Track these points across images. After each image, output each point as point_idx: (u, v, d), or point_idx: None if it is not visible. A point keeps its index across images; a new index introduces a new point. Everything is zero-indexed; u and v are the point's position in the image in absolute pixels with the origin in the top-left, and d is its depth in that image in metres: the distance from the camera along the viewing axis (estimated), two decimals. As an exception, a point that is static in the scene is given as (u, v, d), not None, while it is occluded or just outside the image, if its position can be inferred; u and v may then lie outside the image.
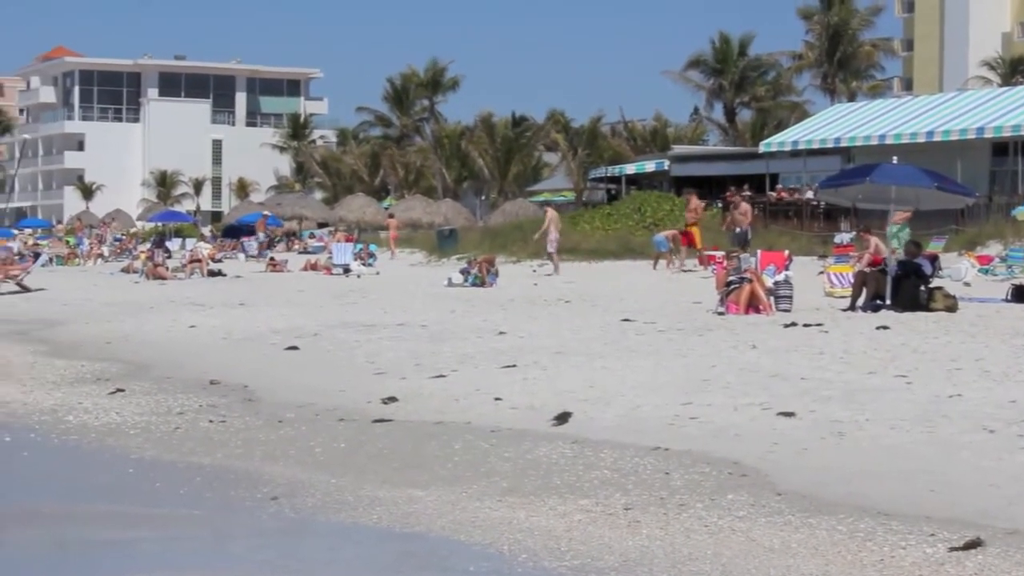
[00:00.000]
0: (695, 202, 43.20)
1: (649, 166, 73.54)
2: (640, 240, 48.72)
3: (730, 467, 12.03)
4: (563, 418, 14.85)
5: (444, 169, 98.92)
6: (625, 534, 10.04)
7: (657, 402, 15.34)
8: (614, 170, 77.09)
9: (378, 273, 47.75)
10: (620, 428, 14.18)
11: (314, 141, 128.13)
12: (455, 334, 23.30)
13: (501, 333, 23.13)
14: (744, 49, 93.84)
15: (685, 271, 40.35)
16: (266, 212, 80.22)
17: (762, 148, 59.72)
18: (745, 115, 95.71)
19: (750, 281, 25.45)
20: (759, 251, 30.75)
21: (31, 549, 10.51)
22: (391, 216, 66.23)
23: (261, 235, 69.81)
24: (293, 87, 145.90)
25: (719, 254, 35.39)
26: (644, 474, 12.00)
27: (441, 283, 39.78)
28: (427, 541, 10.07)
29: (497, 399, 16.21)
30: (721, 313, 25.16)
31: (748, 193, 51.65)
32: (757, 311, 25.06)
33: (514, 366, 18.70)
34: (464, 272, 40.37)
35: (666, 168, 70.53)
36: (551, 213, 45.09)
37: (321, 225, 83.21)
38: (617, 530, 10.16)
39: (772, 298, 25.90)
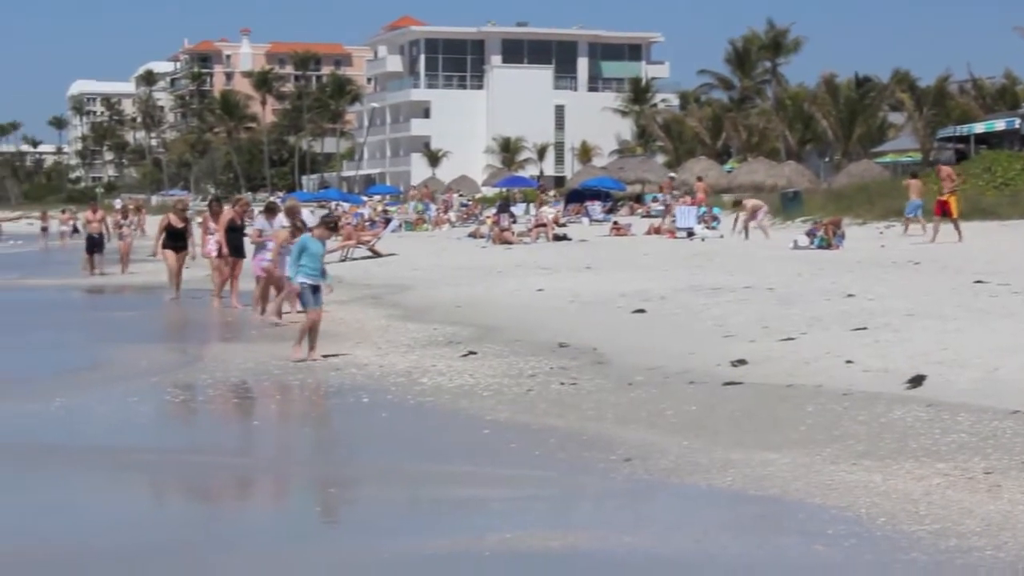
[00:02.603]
0: (946, 171, 41.83)
1: (999, 125, 71.33)
2: (991, 200, 47.40)
3: (1096, 432, 11.63)
4: (917, 381, 14.57)
5: (787, 131, 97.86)
6: (985, 498, 9.81)
7: (1016, 365, 14.90)
8: (962, 129, 75.02)
9: (722, 236, 47.53)
10: (977, 391, 13.83)
11: (656, 105, 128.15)
12: (803, 297, 23.05)
13: (849, 295, 22.79)
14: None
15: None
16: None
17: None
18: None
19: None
20: None
21: (388, 507, 10.77)
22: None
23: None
24: (635, 51, 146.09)
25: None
26: (1004, 438, 11.70)
27: (786, 245, 39.41)
28: (782, 504, 10.01)
29: (848, 362, 15.98)
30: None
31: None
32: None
33: (864, 328, 18.40)
34: (810, 234, 39.92)
35: (1017, 127, 68.34)
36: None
37: (663, 189, 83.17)
38: (977, 494, 9.94)
39: None
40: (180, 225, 31.19)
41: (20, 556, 9.11)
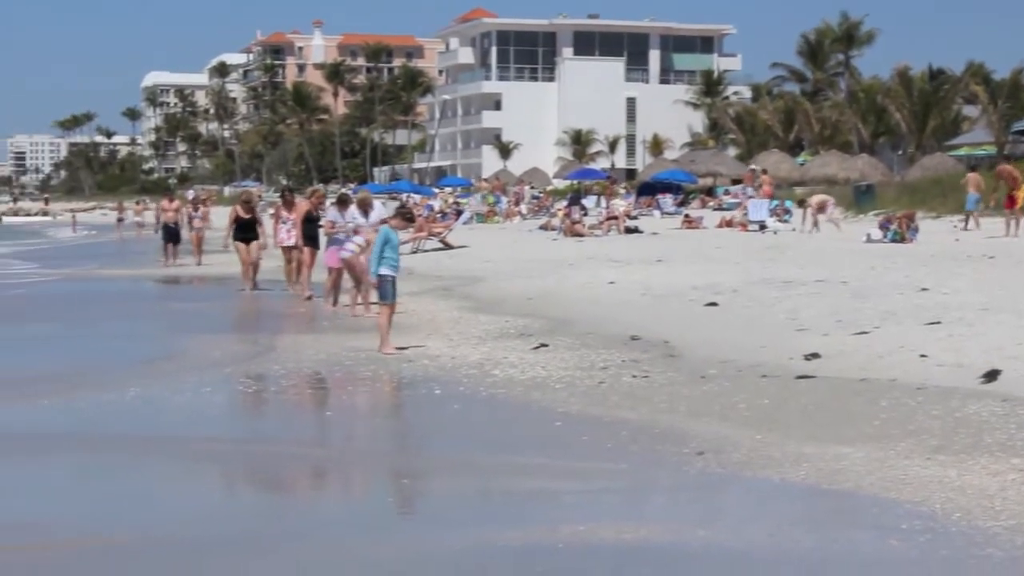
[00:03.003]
0: (1007, 170, 41.43)
1: (1077, 117, 70.69)
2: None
3: None
4: (992, 375, 14.47)
5: (860, 124, 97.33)
6: (1064, 495, 9.74)
7: (1093, 361, 14.77)
8: (1038, 122, 74.42)
9: (794, 229, 47.33)
10: (1052, 386, 13.73)
11: (728, 97, 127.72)
12: (876, 290, 22.94)
13: (923, 289, 22.67)
14: None
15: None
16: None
17: None
18: None
19: None
20: None
21: (460, 498, 10.80)
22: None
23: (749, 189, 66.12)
24: (706, 44, 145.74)
25: None
26: (1082, 435, 11.61)
27: (859, 239, 39.20)
28: (856, 498, 9.96)
29: (922, 356, 15.89)
30: None
31: None
32: None
33: (938, 323, 18.30)
34: (883, 228, 39.68)
35: (1096, 118, 67.73)
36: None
37: (735, 182, 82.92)
38: (1054, 491, 9.87)
39: None
40: (247, 216, 31.28)
41: (97, 544, 9.21)
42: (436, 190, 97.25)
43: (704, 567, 8.53)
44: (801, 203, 51.86)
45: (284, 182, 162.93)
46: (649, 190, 76.17)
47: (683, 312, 22.03)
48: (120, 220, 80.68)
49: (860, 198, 57.97)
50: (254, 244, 30.92)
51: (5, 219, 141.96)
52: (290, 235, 29.17)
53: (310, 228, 28.17)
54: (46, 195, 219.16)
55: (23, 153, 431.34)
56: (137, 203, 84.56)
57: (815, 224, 45.74)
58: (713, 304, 22.56)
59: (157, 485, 11.32)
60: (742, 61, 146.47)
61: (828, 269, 27.49)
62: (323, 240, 26.95)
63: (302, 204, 29.18)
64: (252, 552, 9.01)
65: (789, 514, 9.71)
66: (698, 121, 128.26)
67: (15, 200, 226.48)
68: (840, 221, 46.86)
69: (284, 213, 30.15)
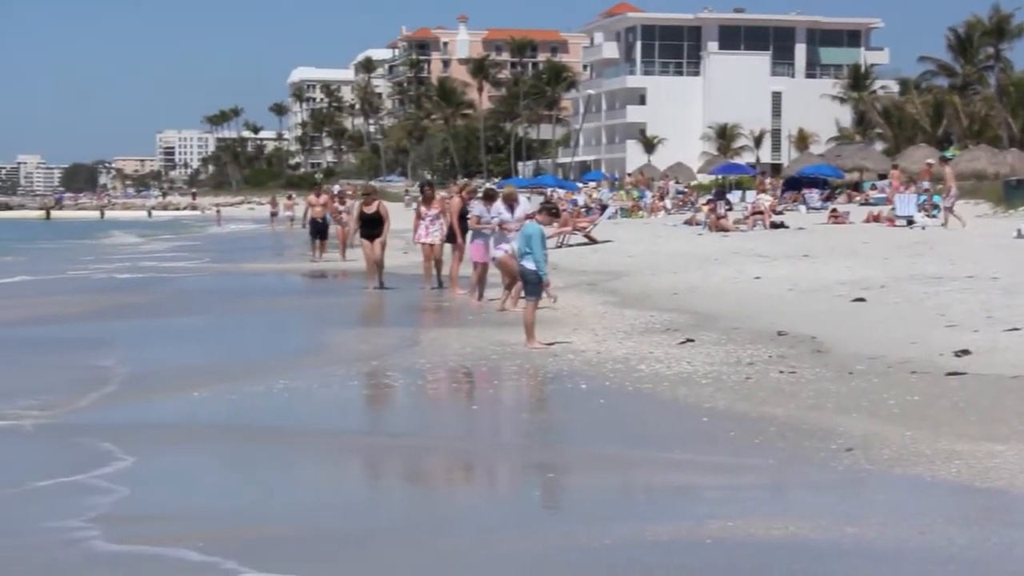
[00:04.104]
0: None
1: None
2: None
3: None
4: None
5: (1010, 118, 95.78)
6: None
7: None
8: None
9: (943, 224, 46.66)
10: None
11: (875, 91, 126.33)
12: (1028, 286, 22.59)
13: (1077, 285, 22.29)
14: None
15: None
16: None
17: None
18: None
19: None
20: None
21: (607, 493, 10.80)
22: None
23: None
24: (853, 38, 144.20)
25: None
26: None
27: (1010, 234, 38.58)
28: (1010, 497, 9.83)
29: (1076, 354, 15.64)
30: None
31: None
32: None
33: (1093, 320, 17.99)
34: (1034, 223, 39.03)
35: None
36: None
37: (882, 176, 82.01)
38: None
39: None
40: (371, 211, 30.47)
41: (250, 535, 9.34)
42: (580, 185, 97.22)
43: (854, 564, 8.45)
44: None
45: (427, 177, 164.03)
46: (795, 185, 75.50)
47: (830, 308, 21.83)
48: (273, 215, 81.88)
49: (1010, 193, 57.01)
50: (378, 241, 30.10)
51: (155, 213, 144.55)
52: (428, 232, 29.11)
53: (462, 223, 28.00)
54: (194, 190, 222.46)
55: (172, 148, 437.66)
56: (288, 198, 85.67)
57: (945, 217, 44.93)
58: (861, 300, 22.33)
59: (306, 476, 11.46)
60: (889, 55, 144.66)
61: (978, 265, 27.09)
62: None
63: (455, 200, 29.21)
64: (401, 544, 9.08)
65: (940, 512, 9.59)
66: (845, 115, 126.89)
67: (164, 195, 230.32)
68: (953, 210, 45.79)
69: (423, 209, 29.80)
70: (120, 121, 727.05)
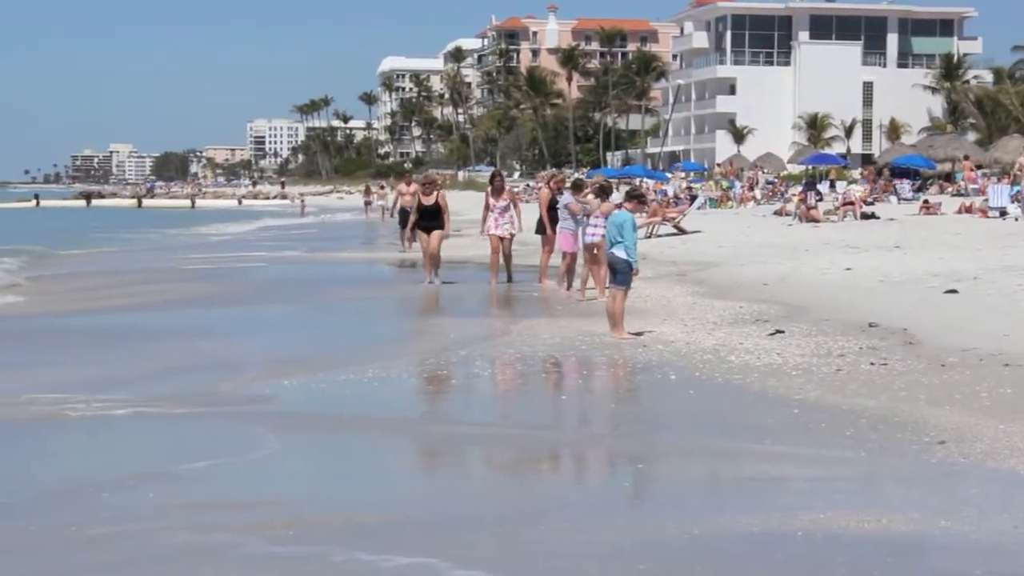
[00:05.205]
0: None
1: None
2: None
3: None
4: None
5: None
6: None
7: None
8: None
9: (1036, 216, 46.21)
10: None
11: (967, 81, 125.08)
12: (1124, 279, 22.32)
13: None
14: None
15: None
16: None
17: None
18: None
19: None
20: None
21: (697, 484, 10.79)
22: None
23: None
24: (946, 27, 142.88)
25: None
26: None
27: (1105, 226, 38.17)
28: (1107, 492, 9.74)
29: None
30: None
31: None
32: None
33: None
34: None
35: None
36: None
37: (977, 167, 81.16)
38: None
39: None
40: (430, 203, 29.14)
41: (340, 522, 9.40)
42: (669, 175, 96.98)
43: (947, 558, 8.40)
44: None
45: (517, 167, 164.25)
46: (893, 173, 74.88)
47: (921, 299, 21.66)
48: (367, 203, 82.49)
49: (1105, 184, 56.32)
50: (435, 234, 28.80)
51: (245, 202, 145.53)
52: (497, 224, 28.50)
53: (552, 213, 27.70)
54: (283, 179, 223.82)
55: (263, 137, 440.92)
56: (381, 187, 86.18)
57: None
58: (953, 291, 22.14)
59: (396, 465, 11.51)
60: (983, 45, 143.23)
61: (1073, 257, 26.81)
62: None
63: (544, 191, 29.11)
64: (490, 534, 9.11)
65: (1037, 506, 9.51)
66: (937, 105, 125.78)
67: (254, 184, 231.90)
68: None
69: (492, 200, 28.65)
70: (211, 110, 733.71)
